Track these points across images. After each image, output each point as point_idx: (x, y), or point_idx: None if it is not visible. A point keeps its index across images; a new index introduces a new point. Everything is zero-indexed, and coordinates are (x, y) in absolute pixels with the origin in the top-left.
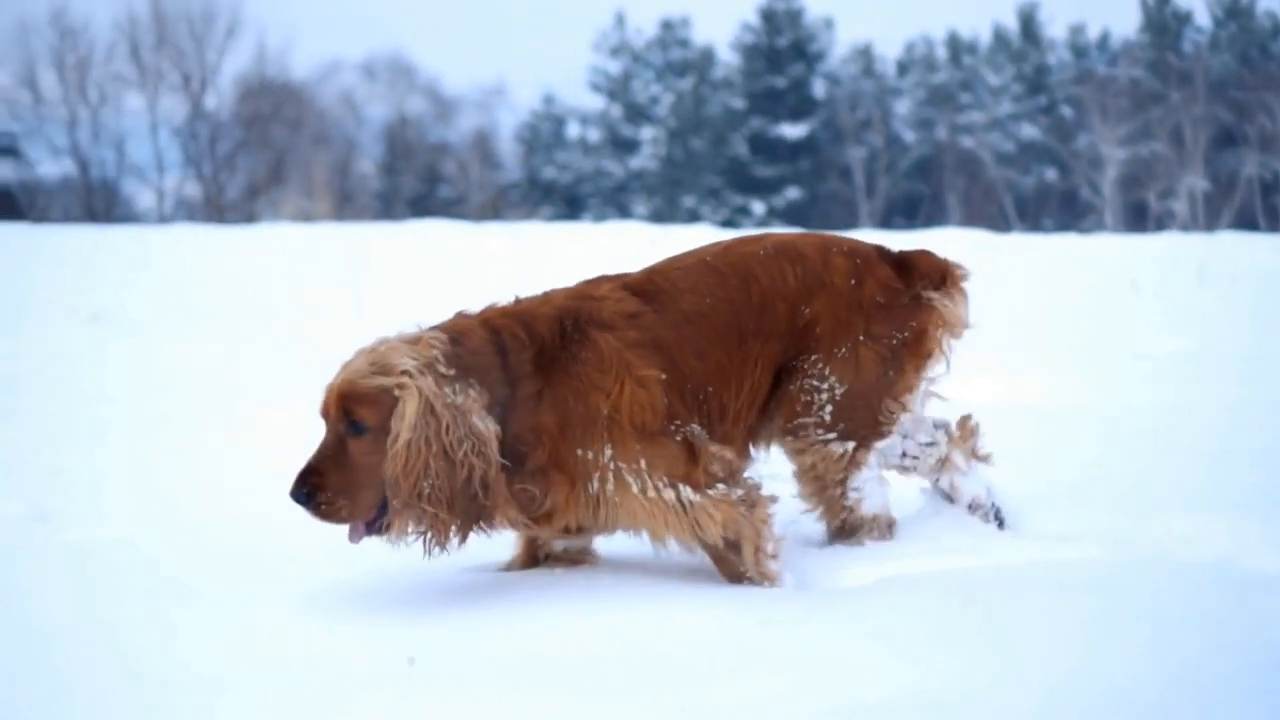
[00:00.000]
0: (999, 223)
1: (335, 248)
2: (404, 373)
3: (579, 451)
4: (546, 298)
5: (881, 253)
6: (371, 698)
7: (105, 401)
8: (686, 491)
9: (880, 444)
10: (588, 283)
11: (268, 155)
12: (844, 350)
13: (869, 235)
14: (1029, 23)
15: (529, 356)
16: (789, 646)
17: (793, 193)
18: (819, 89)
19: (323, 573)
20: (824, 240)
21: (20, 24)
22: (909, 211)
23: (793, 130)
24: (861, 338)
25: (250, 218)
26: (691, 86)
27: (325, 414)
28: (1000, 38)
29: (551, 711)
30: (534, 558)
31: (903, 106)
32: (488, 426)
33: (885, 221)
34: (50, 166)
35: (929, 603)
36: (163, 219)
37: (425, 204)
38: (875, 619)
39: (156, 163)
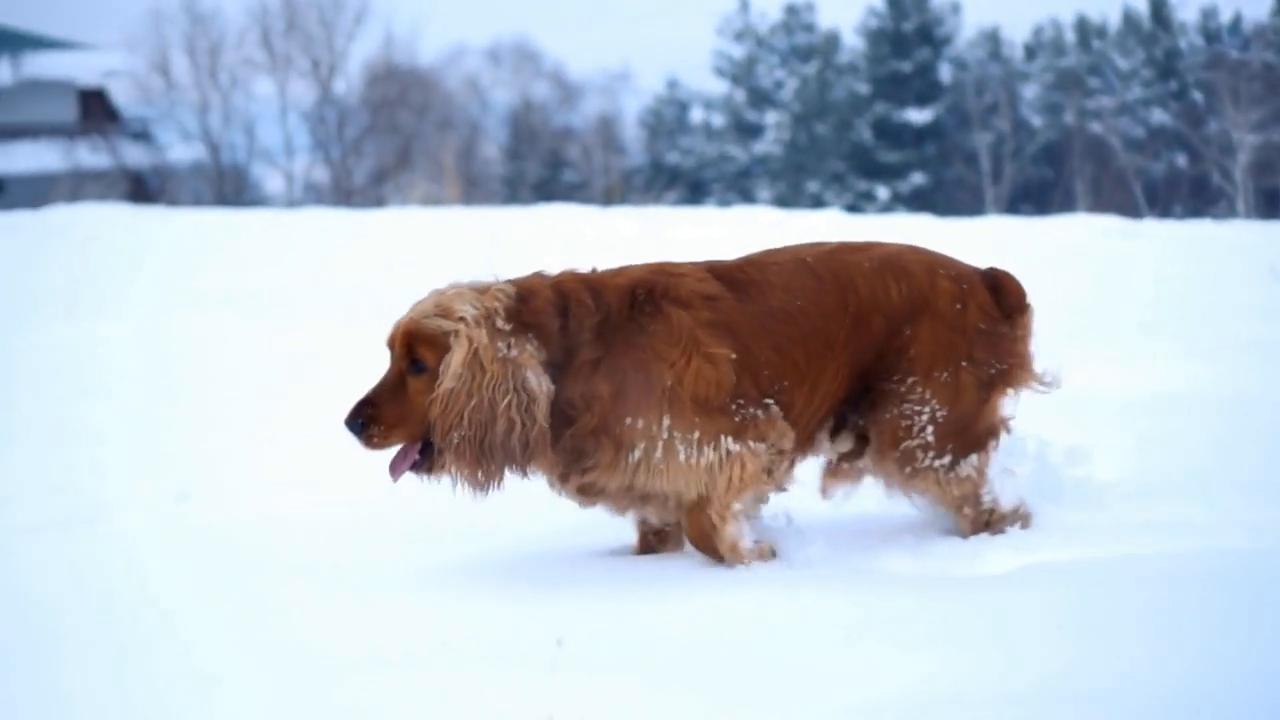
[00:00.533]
0: (1128, 209)
1: (466, 231)
2: (460, 319)
3: (628, 420)
4: (623, 269)
5: (982, 276)
6: (519, 677)
7: (244, 383)
8: (727, 441)
9: (996, 449)
10: (672, 262)
11: (394, 140)
12: (945, 375)
13: (996, 221)
14: (1159, 6)
15: (592, 324)
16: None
17: (918, 178)
18: (945, 73)
19: (460, 550)
20: (931, 260)
21: (153, 10)
22: (1036, 198)
23: (918, 115)
24: (964, 363)
25: (377, 202)
26: (816, 71)
27: (390, 346)
28: (1130, 21)
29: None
30: (649, 544)
31: (1030, 91)
32: (540, 384)
33: (1011, 207)
34: (181, 151)
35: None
36: (291, 203)
37: (549, 189)
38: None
39: (285, 147)
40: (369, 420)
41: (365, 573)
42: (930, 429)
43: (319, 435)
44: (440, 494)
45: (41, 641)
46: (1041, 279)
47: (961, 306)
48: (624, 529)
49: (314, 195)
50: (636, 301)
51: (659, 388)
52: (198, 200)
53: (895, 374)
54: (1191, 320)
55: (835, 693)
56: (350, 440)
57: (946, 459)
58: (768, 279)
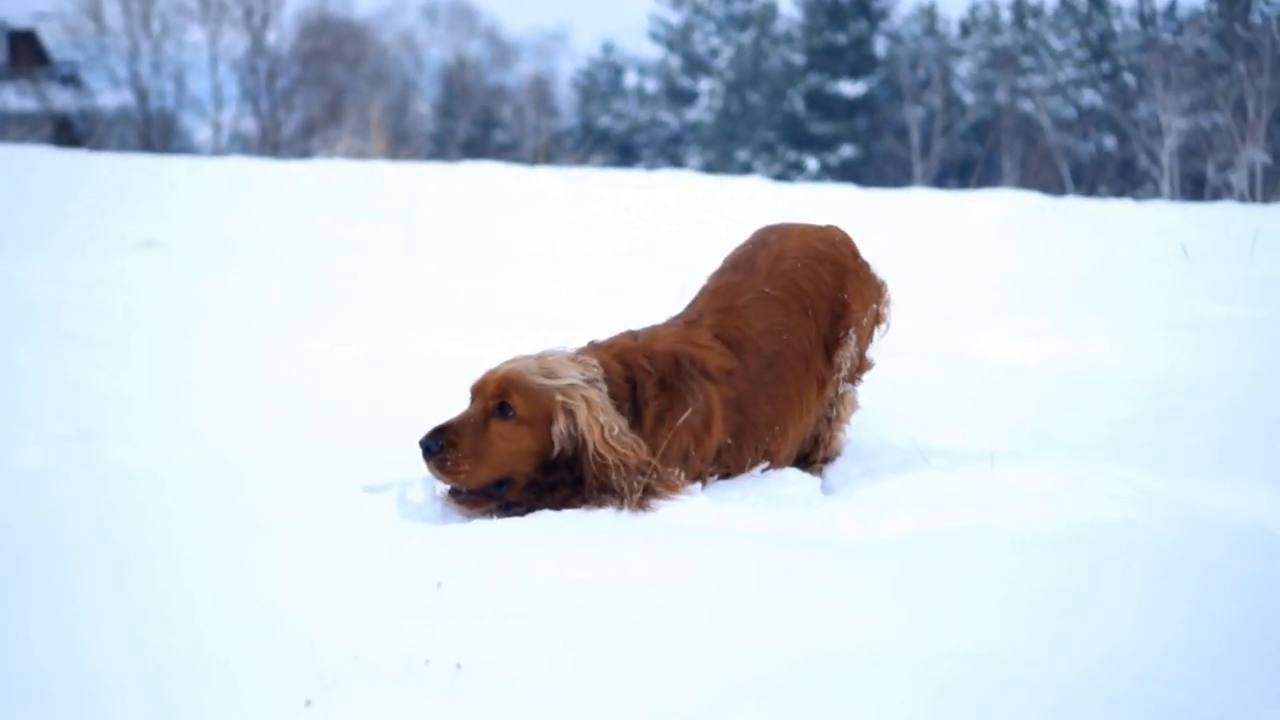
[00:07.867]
0: (1054, 188)
1: (388, 185)
2: (570, 383)
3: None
4: (657, 334)
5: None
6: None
7: (153, 327)
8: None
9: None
10: (689, 328)
11: (325, 93)
12: (866, 317)
13: (919, 194)
14: None
15: (653, 382)
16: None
17: (848, 150)
18: (880, 47)
19: (350, 508)
20: (826, 231)
21: None
22: (963, 174)
23: (851, 88)
24: (874, 305)
25: (305, 154)
26: (752, 40)
27: (478, 391)
28: (1066, 2)
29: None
30: None
31: (964, 68)
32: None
33: (939, 182)
34: (109, 96)
35: (954, 562)
36: (218, 152)
37: (479, 147)
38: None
39: (214, 96)
40: (449, 445)
41: (250, 519)
42: (848, 363)
43: (228, 383)
44: (336, 450)
45: None
46: (962, 252)
47: (856, 258)
48: None
49: (241, 146)
50: (683, 370)
51: (683, 451)
52: (123, 147)
53: (842, 331)
54: (1104, 297)
55: (715, 660)
56: (418, 458)
57: (851, 384)
58: (754, 328)
